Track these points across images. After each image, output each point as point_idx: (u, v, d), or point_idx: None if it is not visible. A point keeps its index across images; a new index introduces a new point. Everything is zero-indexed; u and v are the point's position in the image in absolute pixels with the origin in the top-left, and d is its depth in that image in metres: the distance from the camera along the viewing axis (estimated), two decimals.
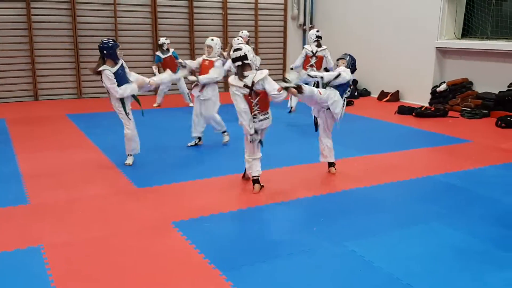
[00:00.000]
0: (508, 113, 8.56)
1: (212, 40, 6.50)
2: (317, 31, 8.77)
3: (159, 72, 9.70)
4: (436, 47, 10.23)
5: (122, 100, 5.52)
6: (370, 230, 4.03)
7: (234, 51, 4.66)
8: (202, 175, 5.43)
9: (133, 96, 5.66)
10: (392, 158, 6.32)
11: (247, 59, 4.60)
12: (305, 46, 8.84)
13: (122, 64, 5.44)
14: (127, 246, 3.71)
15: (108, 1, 11.25)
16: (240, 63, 4.61)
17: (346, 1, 12.55)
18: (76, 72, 11.09)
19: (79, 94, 11.24)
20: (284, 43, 13.67)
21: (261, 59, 13.17)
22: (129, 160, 5.81)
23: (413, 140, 7.47)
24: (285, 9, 13.52)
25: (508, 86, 8.93)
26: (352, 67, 5.41)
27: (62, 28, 10.92)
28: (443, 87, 10.06)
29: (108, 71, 5.31)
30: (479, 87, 9.71)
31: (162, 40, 9.91)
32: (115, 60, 5.36)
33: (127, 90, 5.46)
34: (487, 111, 9.05)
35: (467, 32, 10.18)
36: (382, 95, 11.31)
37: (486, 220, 4.27)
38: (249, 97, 4.66)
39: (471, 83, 9.89)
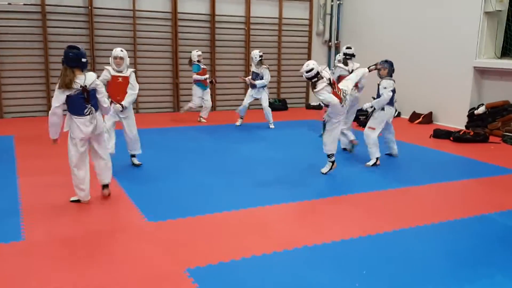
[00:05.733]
0: None
1: (122, 51, 5.92)
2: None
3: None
4: (474, 67, 9.52)
5: None
6: (422, 285, 3.34)
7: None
8: (223, 207, 4.81)
9: None
10: (435, 191, 5.63)
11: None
12: (339, 65, 8.08)
13: None
14: None
15: (127, 14, 10.86)
16: (316, 79, 5.77)
17: (374, 16, 11.95)
18: None
19: None
20: (309, 59, 13.05)
21: (283, 76, 12.76)
22: None
23: (454, 169, 6.76)
24: (310, 25, 12.98)
25: None
26: (391, 71, 6.77)
27: (79, 41, 10.54)
28: (481, 109, 9.32)
29: None
30: None
31: (195, 53, 9.81)
32: None
33: None
34: None
35: (508, 51, 9.46)
36: (414, 116, 10.60)
37: None
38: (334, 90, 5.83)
39: None
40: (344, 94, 5.97)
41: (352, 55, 7.95)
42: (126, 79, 5.88)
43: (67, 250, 3.81)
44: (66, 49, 4.49)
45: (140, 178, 5.79)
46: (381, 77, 6.71)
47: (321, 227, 4.41)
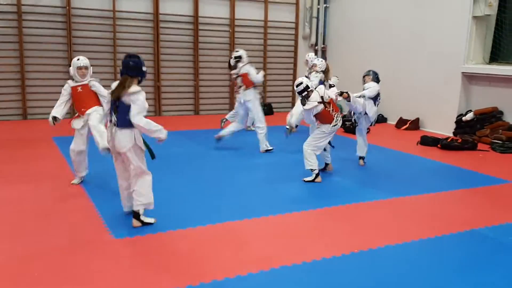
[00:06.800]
0: None
1: (85, 59, 5.45)
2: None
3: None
4: (462, 72, 9.32)
5: None
6: None
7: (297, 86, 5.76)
8: (198, 221, 4.47)
9: None
10: (422, 203, 5.35)
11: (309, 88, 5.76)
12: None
13: None
14: None
15: (107, 15, 10.50)
16: (306, 93, 5.72)
17: (361, 20, 11.73)
18: None
19: (72, 113, 10.38)
20: (295, 63, 12.82)
21: (269, 80, 12.44)
22: None
23: (442, 178, 6.50)
24: (296, 28, 12.73)
25: None
26: (377, 79, 6.71)
27: (56, 42, 10.16)
28: (469, 116, 9.13)
29: None
30: (511, 117, 8.77)
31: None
32: None
33: None
34: None
35: (497, 56, 9.27)
36: (401, 122, 10.38)
37: None
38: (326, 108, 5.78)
39: (501, 113, 8.94)
40: (338, 118, 5.88)
41: (239, 57, 7.82)
42: (85, 87, 5.40)
43: (21, 269, 3.46)
44: (125, 58, 4.29)
45: (111, 187, 5.39)
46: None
47: (301, 244, 4.10)
